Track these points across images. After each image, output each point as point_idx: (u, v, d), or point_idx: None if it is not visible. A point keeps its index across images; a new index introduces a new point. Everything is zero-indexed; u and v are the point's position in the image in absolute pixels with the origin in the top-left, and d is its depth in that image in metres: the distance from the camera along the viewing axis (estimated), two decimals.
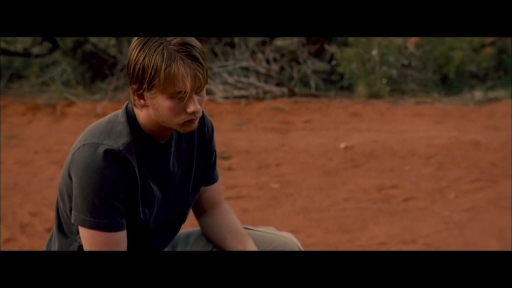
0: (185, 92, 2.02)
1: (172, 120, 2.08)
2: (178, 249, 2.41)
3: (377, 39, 6.93)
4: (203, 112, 2.32)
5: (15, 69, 8.43)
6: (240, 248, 2.30)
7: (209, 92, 6.96)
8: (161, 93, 2.03)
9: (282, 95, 6.90)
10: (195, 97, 2.06)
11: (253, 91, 6.87)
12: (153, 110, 2.08)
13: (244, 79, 6.96)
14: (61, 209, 2.23)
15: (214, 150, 2.39)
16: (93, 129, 2.15)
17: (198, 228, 2.43)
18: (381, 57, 6.80)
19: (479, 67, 7.33)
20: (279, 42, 7.62)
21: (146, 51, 2.01)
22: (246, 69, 7.10)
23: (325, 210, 4.41)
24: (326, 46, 7.40)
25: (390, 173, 5.03)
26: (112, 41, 8.27)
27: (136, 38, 2.07)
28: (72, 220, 2.16)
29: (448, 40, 7.24)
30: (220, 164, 5.22)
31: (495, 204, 4.50)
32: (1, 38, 8.59)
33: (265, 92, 6.90)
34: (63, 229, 2.24)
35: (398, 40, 7.12)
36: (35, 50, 8.62)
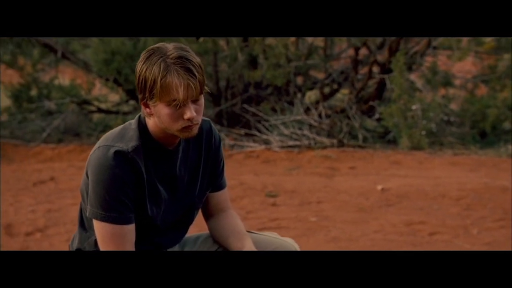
0: (179, 100, 2.04)
1: (172, 126, 2.10)
2: (187, 248, 2.40)
3: (419, 96, 6.88)
4: (211, 125, 2.33)
5: (105, 124, 8.66)
6: (239, 245, 2.27)
7: (266, 142, 6.99)
8: (160, 101, 2.06)
9: (332, 146, 6.86)
10: (191, 105, 2.08)
11: (305, 142, 6.88)
12: (156, 117, 2.11)
13: (298, 131, 6.97)
14: (83, 207, 2.26)
15: (222, 159, 2.38)
16: (109, 134, 2.19)
17: (207, 231, 2.42)
18: (423, 113, 6.70)
19: None
20: (332, 101, 7.63)
21: (148, 64, 2.06)
22: (300, 122, 7.10)
23: (354, 240, 4.32)
24: (373, 103, 7.35)
25: (419, 211, 4.90)
26: None
27: (143, 52, 2.11)
28: (87, 214, 2.19)
29: (485, 98, 7.09)
30: (266, 201, 5.22)
31: None
32: (95, 98, 8.88)
33: (316, 143, 6.88)
34: (84, 224, 2.27)
35: (439, 99, 7.02)
36: (124, 108, 8.84)
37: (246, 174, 6.08)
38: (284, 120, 7.05)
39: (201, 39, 7.45)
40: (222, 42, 7.66)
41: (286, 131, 6.94)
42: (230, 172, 6.21)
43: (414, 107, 6.52)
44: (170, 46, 2.07)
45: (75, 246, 2.30)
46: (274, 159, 6.60)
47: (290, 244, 2.38)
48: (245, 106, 7.44)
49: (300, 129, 6.99)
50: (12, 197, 5.69)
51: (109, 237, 2.14)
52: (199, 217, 2.40)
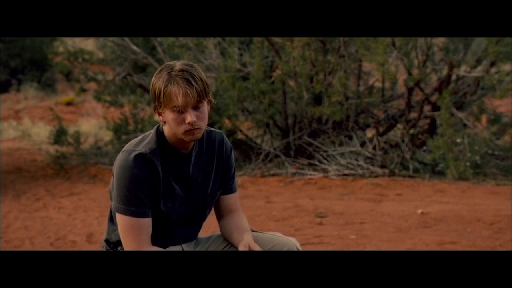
0: (179, 106, 2.14)
1: (177, 129, 2.20)
2: (200, 245, 2.46)
3: (466, 131, 6.71)
4: (223, 136, 2.42)
5: None
6: (239, 239, 2.31)
7: (325, 171, 6.99)
8: (166, 108, 2.18)
9: (384, 175, 6.78)
10: (192, 112, 2.17)
11: (359, 171, 6.82)
12: (167, 122, 2.21)
13: (354, 162, 6.93)
14: (112, 205, 2.36)
15: (233, 166, 2.45)
16: (132, 141, 2.31)
17: (219, 232, 2.48)
18: (470, 146, 6.54)
19: None
20: (387, 136, 7.55)
21: (158, 77, 2.19)
22: (356, 153, 7.07)
23: None
24: (425, 138, 7.22)
25: (453, 233, 4.77)
26: (252, 126, 8.47)
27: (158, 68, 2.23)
28: (111, 208, 2.30)
29: None
30: (314, 220, 5.22)
31: None
32: None
33: (369, 172, 6.82)
34: (113, 219, 2.38)
35: (485, 134, 6.83)
36: None
37: (302, 198, 6.10)
38: (341, 151, 7.04)
39: (273, 79, 7.58)
40: (291, 82, 7.76)
41: (343, 161, 6.92)
42: (288, 196, 6.24)
43: (458, 140, 6.38)
44: (178, 63, 2.19)
45: (104, 237, 2.41)
46: (330, 186, 6.59)
47: (291, 242, 2.38)
48: (308, 139, 7.48)
49: (356, 159, 6.96)
50: (99, 212, 5.95)
51: (128, 228, 2.24)
52: (212, 220, 2.46)
